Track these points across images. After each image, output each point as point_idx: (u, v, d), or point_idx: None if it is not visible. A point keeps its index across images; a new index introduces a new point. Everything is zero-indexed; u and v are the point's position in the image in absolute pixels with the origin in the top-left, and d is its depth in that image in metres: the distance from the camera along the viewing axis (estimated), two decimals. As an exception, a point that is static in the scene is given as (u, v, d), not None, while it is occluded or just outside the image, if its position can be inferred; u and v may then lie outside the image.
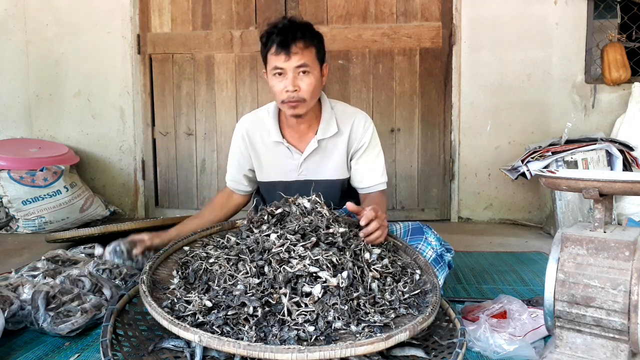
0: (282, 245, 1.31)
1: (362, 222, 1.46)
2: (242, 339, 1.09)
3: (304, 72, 1.70)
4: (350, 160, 1.90)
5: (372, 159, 1.89)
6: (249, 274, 1.27)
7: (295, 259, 1.27)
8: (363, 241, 1.43)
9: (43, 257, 1.97)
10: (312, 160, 1.88)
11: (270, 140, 1.87)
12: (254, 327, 1.13)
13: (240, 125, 1.92)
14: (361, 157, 1.89)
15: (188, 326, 1.08)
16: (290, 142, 1.87)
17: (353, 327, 1.16)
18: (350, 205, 1.52)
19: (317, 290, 1.20)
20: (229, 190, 2.01)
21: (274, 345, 1.05)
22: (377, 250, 1.43)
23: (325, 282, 1.22)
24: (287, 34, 1.67)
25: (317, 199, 1.51)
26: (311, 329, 1.13)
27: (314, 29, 1.75)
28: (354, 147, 1.88)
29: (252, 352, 1.01)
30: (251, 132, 1.89)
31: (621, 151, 2.82)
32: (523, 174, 2.91)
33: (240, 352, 1.02)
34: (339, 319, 1.17)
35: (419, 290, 1.34)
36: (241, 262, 1.32)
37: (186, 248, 1.53)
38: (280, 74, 1.70)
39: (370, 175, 1.89)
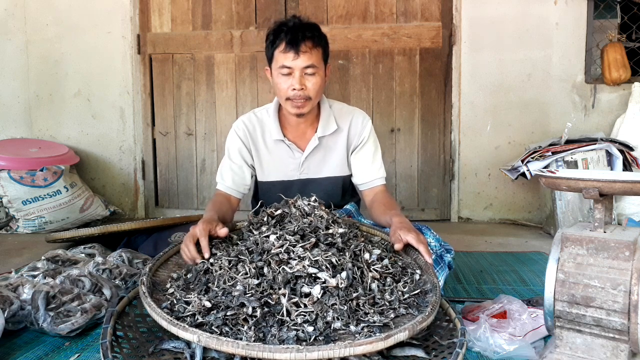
0: (282, 246, 1.31)
1: (429, 260, 1.43)
2: (241, 339, 1.09)
3: (311, 72, 1.70)
4: (350, 155, 1.91)
5: (371, 154, 1.91)
6: (248, 275, 1.27)
7: (295, 259, 1.27)
8: (362, 242, 1.43)
9: (43, 257, 1.97)
10: (314, 159, 1.89)
11: (271, 140, 1.87)
12: (252, 328, 1.13)
13: (239, 124, 1.90)
14: (359, 152, 1.90)
15: (187, 326, 1.08)
16: (291, 141, 1.87)
17: (352, 327, 1.16)
18: (398, 247, 1.50)
19: (316, 290, 1.20)
20: (225, 194, 1.87)
21: (273, 345, 1.05)
22: (377, 251, 1.43)
23: (324, 282, 1.22)
24: (297, 32, 1.68)
25: (316, 202, 1.50)
26: (310, 329, 1.13)
27: (320, 30, 1.77)
28: (354, 143, 1.90)
29: (251, 351, 1.01)
30: (251, 130, 1.89)
31: (621, 151, 2.82)
32: (523, 174, 2.91)
33: (238, 352, 1.02)
34: (338, 319, 1.17)
35: (418, 290, 1.34)
36: (240, 264, 1.32)
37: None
38: (287, 73, 1.71)
39: (369, 170, 1.90)
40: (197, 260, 1.39)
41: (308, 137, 1.88)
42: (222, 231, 1.47)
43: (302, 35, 1.68)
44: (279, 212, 1.47)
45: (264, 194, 1.94)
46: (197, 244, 1.43)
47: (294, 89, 1.70)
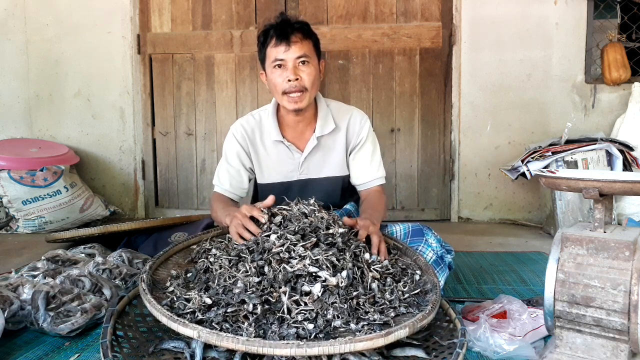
0: (282, 245, 1.31)
1: (361, 237, 1.45)
2: (241, 335, 1.09)
3: (304, 62, 1.72)
4: (349, 156, 1.91)
5: (369, 155, 1.90)
6: (249, 274, 1.27)
7: (295, 259, 1.27)
8: (363, 242, 1.44)
9: (43, 257, 1.97)
10: (313, 159, 1.89)
11: (269, 141, 1.87)
12: (253, 324, 1.13)
13: (237, 127, 1.89)
14: (358, 153, 1.90)
15: (187, 322, 1.08)
16: (290, 141, 1.87)
17: (352, 326, 1.16)
18: (346, 220, 1.51)
19: (316, 289, 1.20)
20: (225, 197, 1.89)
21: (273, 340, 1.05)
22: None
23: (324, 281, 1.22)
24: (286, 27, 1.72)
25: (315, 204, 1.50)
26: (310, 326, 1.13)
27: (310, 26, 1.79)
28: (352, 143, 1.90)
29: (251, 347, 1.00)
30: (250, 133, 1.88)
31: (621, 151, 2.82)
32: (523, 174, 2.91)
33: (239, 347, 1.01)
34: (338, 317, 1.17)
35: (418, 290, 1.34)
36: (241, 263, 1.32)
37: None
38: (280, 65, 1.72)
39: (367, 170, 1.90)
40: (257, 232, 1.41)
41: (307, 137, 1.87)
42: (268, 200, 1.51)
43: (291, 28, 1.71)
44: (278, 218, 1.45)
45: (264, 196, 1.91)
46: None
47: (289, 80, 1.71)
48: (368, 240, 1.48)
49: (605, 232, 1.20)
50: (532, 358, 1.30)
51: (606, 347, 1.17)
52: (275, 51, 1.71)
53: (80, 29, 3.57)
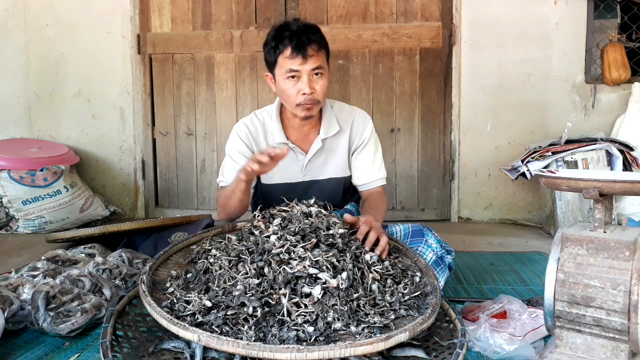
0: (282, 246, 1.31)
1: (360, 236, 1.45)
2: (242, 338, 1.09)
3: (318, 74, 1.71)
4: (351, 156, 1.91)
5: (371, 155, 1.91)
6: (249, 275, 1.27)
7: (295, 260, 1.27)
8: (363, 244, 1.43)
9: (43, 257, 1.97)
10: (317, 161, 1.89)
11: (274, 142, 1.87)
12: (253, 327, 1.13)
13: (241, 126, 1.89)
14: (361, 153, 1.90)
15: (187, 325, 1.08)
16: (295, 143, 1.87)
17: (353, 328, 1.16)
18: (347, 217, 1.51)
19: (316, 291, 1.20)
20: None
21: (273, 344, 1.05)
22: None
23: (325, 283, 1.21)
24: (302, 36, 1.67)
25: (317, 204, 1.50)
26: (311, 329, 1.13)
27: (321, 33, 1.77)
28: (355, 144, 1.90)
29: (251, 351, 1.01)
30: (254, 132, 1.88)
31: (621, 151, 2.82)
32: (523, 174, 2.91)
33: (239, 352, 1.02)
34: (338, 319, 1.17)
35: (419, 292, 1.34)
36: (241, 263, 1.32)
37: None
38: (294, 77, 1.70)
39: (369, 171, 1.90)
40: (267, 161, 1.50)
41: (311, 139, 1.87)
42: (283, 150, 1.54)
43: (308, 39, 1.67)
44: (277, 221, 1.45)
45: (267, 196, 1.92)
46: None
47: (304, 94, 1.70)
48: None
49: (605, 232, 1.20)
50: (532, 358, 1.30)
51: (606, 347, 1.17)
52: (291, 62, 1.69)
53: (80, 29, 3.57)
